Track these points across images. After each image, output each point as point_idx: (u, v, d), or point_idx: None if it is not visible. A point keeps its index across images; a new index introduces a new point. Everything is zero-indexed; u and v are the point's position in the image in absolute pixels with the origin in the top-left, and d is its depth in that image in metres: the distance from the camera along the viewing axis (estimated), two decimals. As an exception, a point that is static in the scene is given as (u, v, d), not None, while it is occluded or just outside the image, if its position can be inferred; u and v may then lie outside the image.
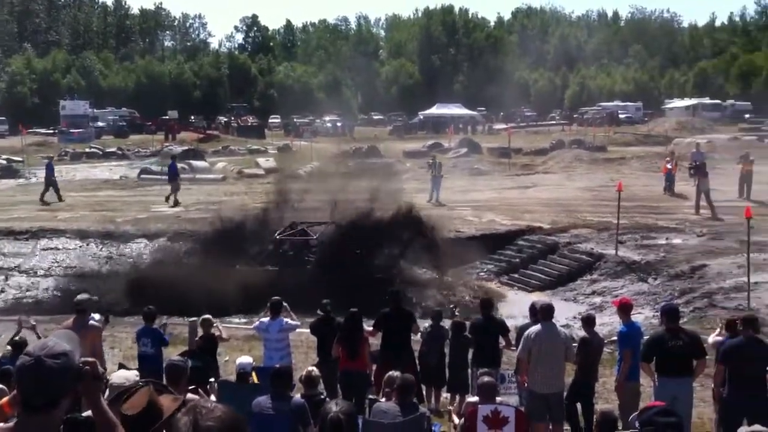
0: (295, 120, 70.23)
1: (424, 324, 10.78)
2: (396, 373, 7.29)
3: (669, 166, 29.05)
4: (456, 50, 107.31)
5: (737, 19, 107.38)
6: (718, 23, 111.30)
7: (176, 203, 28.00)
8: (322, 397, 7.58)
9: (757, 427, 5.09)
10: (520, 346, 8.85)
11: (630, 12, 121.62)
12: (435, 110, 72.88)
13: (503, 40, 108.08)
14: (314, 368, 7.88)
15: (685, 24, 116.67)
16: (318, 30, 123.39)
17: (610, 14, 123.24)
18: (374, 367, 10.01)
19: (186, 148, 46.01)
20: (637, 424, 4.22)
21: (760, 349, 8.24)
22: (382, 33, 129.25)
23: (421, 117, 70.99)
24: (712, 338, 9.61)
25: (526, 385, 8.90)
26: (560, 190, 30.89)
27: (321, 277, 16.73)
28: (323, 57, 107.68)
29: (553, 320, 9.04)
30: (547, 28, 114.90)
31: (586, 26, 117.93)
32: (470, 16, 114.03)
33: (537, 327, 8.71)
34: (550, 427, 8.89)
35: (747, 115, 64.41)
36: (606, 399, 9.95)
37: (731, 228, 20.71)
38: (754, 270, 15.73)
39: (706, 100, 70.66)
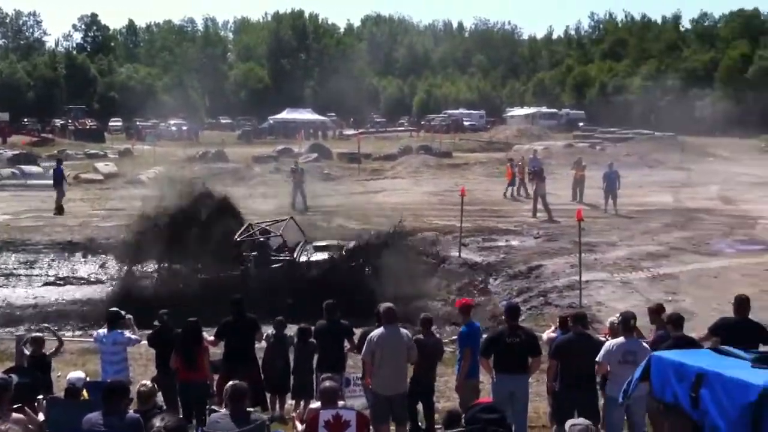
0: (137, 123, 67.71)
1: (268, 330, 10.57)
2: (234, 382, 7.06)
3: (515, 170, 30.29)
4: (306, 55, 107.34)
5: (572, 32, 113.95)
6: (555, 36, 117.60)
7: (59, 211, 26.39)
8: (158, 411, 7.23)
9: (581, 419, 5.29)
10: (363, 349, 8.84)
11: (474, 23, 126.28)
12: (285, 115, 72.44)
13: (353, 47, 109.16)
14: (147, 383, 7.52)
15: (525, 36, 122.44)
16: (162, 31, 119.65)
17: (455, 25, 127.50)
18: (216, 376, 9.71)
19: (17, 152, 43.13)
20: (463, 421, 4.27)
21: (589, 344, 8.62)
22: (231, 36, 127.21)
23: (271, 122, 70.35)
24: (546, 335, 10.01)
25: (370, 387, 8.89)
26: (408, 194, 31.48)
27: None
28: (168, 58, 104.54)
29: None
30: (396, 36, 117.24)
31: (432, 35, 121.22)
32: (320, 21, 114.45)
33: (380, 330, 8.73)
34: (393, 428, 8.94)
35: (581, 124, 68.33)
36: (448, 397, 10.13)
37: (565, 230, 21.85)
38: (585, 269, 16.60)
39: (544, 109, 74.42)
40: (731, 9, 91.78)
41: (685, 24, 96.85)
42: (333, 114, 77.61)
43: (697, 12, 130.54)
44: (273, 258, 17.84)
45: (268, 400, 10.24)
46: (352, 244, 18.64)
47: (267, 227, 18.92)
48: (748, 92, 71.43)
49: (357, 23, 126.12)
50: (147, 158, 42.60)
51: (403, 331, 8.92)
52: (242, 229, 18.38)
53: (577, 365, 8.46)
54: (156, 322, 10.33)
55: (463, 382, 9.32)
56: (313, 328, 10.26)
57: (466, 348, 9.37)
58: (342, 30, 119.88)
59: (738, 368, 4.14)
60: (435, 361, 9.58)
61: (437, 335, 10.78)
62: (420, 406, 9.50)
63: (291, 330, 10.77)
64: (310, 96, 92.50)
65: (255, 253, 17.84)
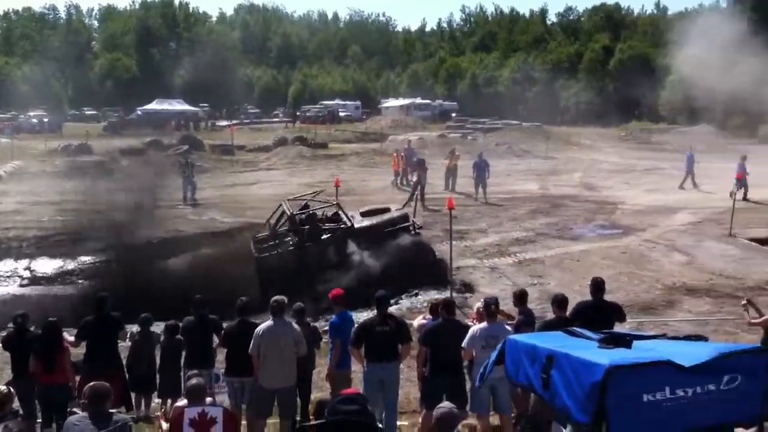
0: (-6, 115, 63.90)
1: (132, 329, 10.20)
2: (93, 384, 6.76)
3: (400, 161, 30.54)
4: (177, 44, 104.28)
5: (445, 25, 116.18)
6: (428, 28, 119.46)
7: None
8: (12, 416, 6.83)
9: (446, 403, 5.39)
10: (251, 343, 8.63)
11: (349, 14, 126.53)
12: (155, 106, 70.07)
13: (226, 36, 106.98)
14: (1, 387, 7.08)
15: (399, 28, 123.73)
16: (22, 18, 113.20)
17: (330, 15, 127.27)
18: (78, 378, 9.28)
19: None
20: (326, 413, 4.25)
21: (457, 330, 8.79)
22: (96, 24, 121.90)
23: (139, 113, 67.91)
24: (417, 322, 10.15)
25: (258, 380, 8.72)
26: (283, 186, 31.14)
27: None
28: (28, 47, 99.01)
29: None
30: (270, 25, 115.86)
31: (307, 25, 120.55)
32: (191, 9, 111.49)
33: (268, 322, 8.59)
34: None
35: (453, 114, 69.78)
36: (320, 387, 10.10)
37: (437, 218, 22.26)
38: (456, 256, 16.98)
39: (418, 100, 75.45)
40: (594, 3, 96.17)
41: (552, 18, 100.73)
42: (205, 105, 75.78)
43: (563, 6, 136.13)
44: (324, 228, 16.91)
45: (134, 400, 9.90)
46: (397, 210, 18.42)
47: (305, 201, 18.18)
48: (609, 83, 75.12)
49: (230, 12, 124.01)
50: (5, 152, 40.25)
51: (294, 324, 8.82)
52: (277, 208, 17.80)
53: (445, 351, 8.61)
54: (10, 325, 9.76)
55: (334, 371, 9.31)
56: (180, 324, 9.99)
57: (336, 338, 9.36)
58: (214, 19, 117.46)
59: (586, 349, 4.30)
60: (312, 351, 9.53)
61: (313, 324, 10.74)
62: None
63: (158, 327, 10.46)
64: (181, 86, 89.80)
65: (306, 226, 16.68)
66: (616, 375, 3.92)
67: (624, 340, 4.40)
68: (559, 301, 9.12)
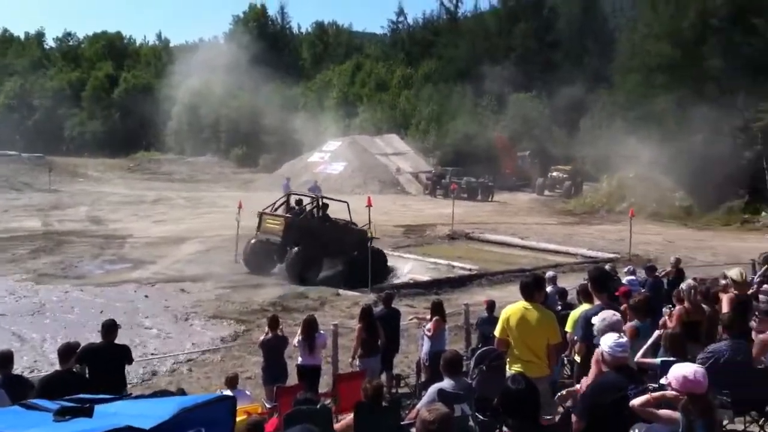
0: None
1: None
2: None
3: None
4: None
5: None
6: None
7: None
8: None
9: None
10: None
11: None
12: None
13: None
14: None
15: None
16: None
17: None
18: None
19: None
20: None
21: None
22: None
23: None
24: None
25: None
26: None
27: None
28: None
29: None
30: None
31: None
32: None
33: None
34: None
35: None
36: None
37: None
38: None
39: None
40: (95, 30, 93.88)
41: (50, 42, 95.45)
42: None
43: (62, 31, 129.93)
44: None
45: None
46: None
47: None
48: (115, 113, 74.12)
49: None
50: None
51: None
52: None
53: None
54: None
55: None
56: None
57: None
58: None
59: (39, 425, 3.77)
60: None
61: None
62: None
63: None
64: None
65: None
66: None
67: (84, 409, 3.98)
68: (62, 352, 8.31)
